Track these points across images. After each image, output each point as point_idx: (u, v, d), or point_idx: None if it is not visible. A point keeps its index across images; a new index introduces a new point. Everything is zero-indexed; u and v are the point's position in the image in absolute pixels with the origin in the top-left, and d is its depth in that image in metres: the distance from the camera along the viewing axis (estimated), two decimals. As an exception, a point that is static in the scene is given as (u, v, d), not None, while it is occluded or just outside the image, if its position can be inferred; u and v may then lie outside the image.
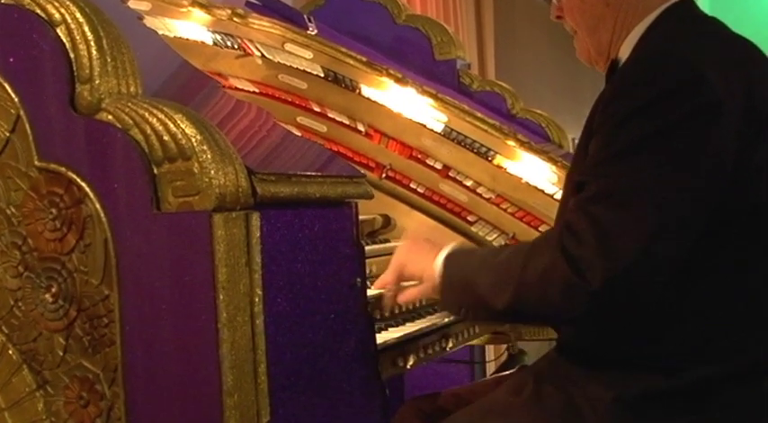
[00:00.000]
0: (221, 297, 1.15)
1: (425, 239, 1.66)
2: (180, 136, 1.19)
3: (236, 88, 2.28)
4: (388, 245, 2.36)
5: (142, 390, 1.24)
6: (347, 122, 2.51)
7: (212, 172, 1.17)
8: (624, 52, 1.58)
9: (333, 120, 2.50)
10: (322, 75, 2.46)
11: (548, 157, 2.42)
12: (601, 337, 1.50)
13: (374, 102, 2.48)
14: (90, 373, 1.29)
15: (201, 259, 1.16)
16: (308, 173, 1.35)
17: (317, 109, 2.49)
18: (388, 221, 2.51)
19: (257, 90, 2.37)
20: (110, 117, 1.25)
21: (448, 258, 1.56)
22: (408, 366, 1.74)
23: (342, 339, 1.36)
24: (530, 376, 1.59)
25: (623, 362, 1.47)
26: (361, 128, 2.51)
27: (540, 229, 2.41)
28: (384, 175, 2.53)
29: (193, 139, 1.18)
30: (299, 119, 2.46)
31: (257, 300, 1.19)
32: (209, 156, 1.17)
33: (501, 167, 2.47)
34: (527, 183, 2.45)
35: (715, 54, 1.46)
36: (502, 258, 1.58)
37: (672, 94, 1.40)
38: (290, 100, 2.45)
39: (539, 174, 2.44)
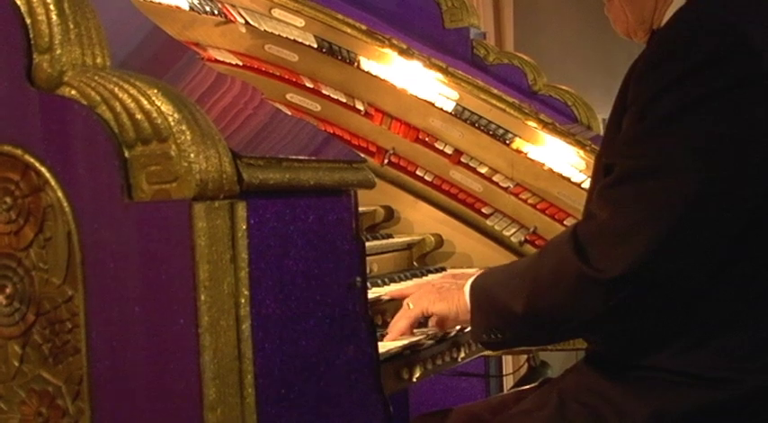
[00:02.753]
0: (203, 298, 1.16)
1: (431, 282, 1.78)
2: (155, 114, 1.19)
3: (216, 60, 2.29)
4: (390, 241, 2.38)
5: (111, 404, 1.24)
6: (344, 100, 2.52)
7: (192, 155, 1.17)
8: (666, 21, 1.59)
9: (327, 97, 2.51)
10: (315, 45, 2.47)
11: (574, 139, 2.44)
12: (635, 345, 1.51)
13: (375, 76, 2.50)
14: (50, 385, 1.29)
15: (180, 255, 1.16)
16: (301, 157, 1.36)
17: (309, 85, 2.50)
18: (390, 214, 2.52)
19: (240, 63, 2.38)
20: (73, 92, 1.26)
21: (474, 282, 1.65)
22: (414, 379, 1.75)
23: (339, 347, 1.37)
24: (553, 391, 1.60)
25: (661, 373, 1.48)
26: (359, 106, 2.53)
27: (565, 222, 2.43)
28: (386, 161, 2.54)
29: (170, 118, 1.18)
30: (288, 96, 2.48)
31: (243, 301, 1.20)
32: (188, 137, 1.18)
33: (520, 152, 2.48)
34: (550, 170, 2.47)
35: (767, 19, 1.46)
36: (522, 261, 1.62)
37: (710, 63, 1.41)
38: (278, 74, 2.46)
39: (564, 159, 2.46)
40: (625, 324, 1.49)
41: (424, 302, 1.71)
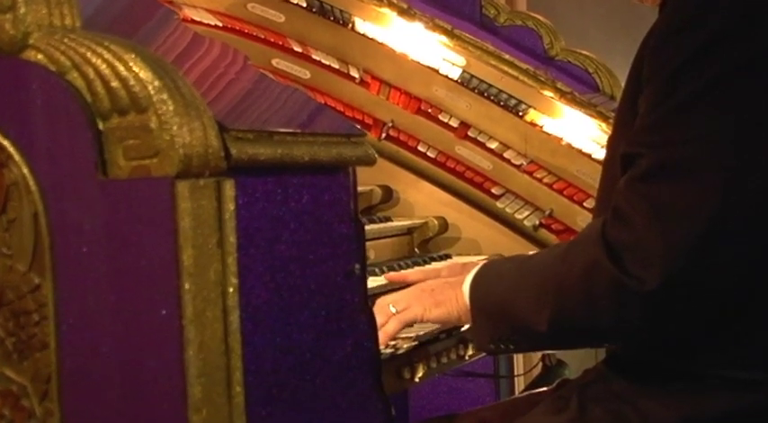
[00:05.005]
0: (187, 286, 1.17)
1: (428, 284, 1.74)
2: (132, 81, 1.20)
3: (193, 21, 2.30)
4: (389, 224, 2.40)
5: (83, 405, 1.26)
6: (337, 67, 2.53)
7: (175, 128, 1.18)
8: None
9: (318, 63, 2.52)
10: (304, 4, 2.48)
11: (596, 111, 2.45)
12: (659, 343, 1.53)
13: (372, 40, 2.51)
14: (14, 384, 1.31)
15: (161, 238, 1.17)
16: (295, 130, 1.37)
17: (297, 49, 2.51)
18: (389, 194, 2.54)
19: (220, 23, 2.40)
20: (40, 56, 1.27)
21: (476, 282, 1.63)
22: (417, 379, 1.77)
23: (336, 342, 1.38)
24: (572, 394, 1.62)
25: (692, 375, 1.51)
26: (354, 74, 2.54)
27: (584, 203, 2.45)
28: (384, 135, 2.56)
29: (150, 86, 1.19)
30: (274, 62, 2.49)
31: (231, 290, 1.21)
32: (170, 107, 1.18)
33: (535, 125, 2.50)
34: (569, 145, 2.48)
35: None
36: (535, 260, 1.61)
37: (731, 33, 1.42)
38: (262, 37, 2.47)
39: (584, 133, 2.47)
40: (663, 334, 1.49)
41: (417, 309, 1.69)
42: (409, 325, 1.71)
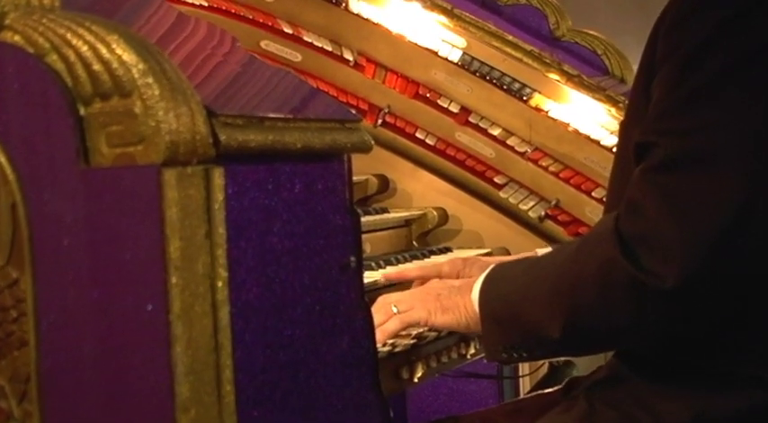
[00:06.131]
0: (174, 280, 1.18)
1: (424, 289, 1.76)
2: (116, 64, 1.20)
3: (176, 0, 2.30)
4: (385, 216, 2.41)
5: (65, 406, 1.27)
6: (329, 49, 2.54)
7: (161, 113, 1.18)
8: None
9: (310, 45, 2.53)
10: (294, -18, 2.49)
11: (605, 95, 2.46)
12: (674, 342, 1.54)
13: (366, 20, 2.51)
14: (-9, 385, 1.32)
15: (147, 230, 1.18)
16: (286, 115, 1.38)
17: (288, 30, 2.51)
18: (385, 184, 2.55)
19: (205, 3, 2.40)
20: (17, 38, 1.28)
21: (485, 288, 1.64)
22: (416, 379, 1.77)
23: (331, 339, 1.39)
24: (579, 392, 1.64)
25: (706, 372, 1.53)
26: (348, 56, 2.54)
27: (593, 193, 2.46)
28: (380, 121, 2.56)
29: (134, 70, 1.20)
30: (263, 44, 2.49)
31: (221, 284, 1.22)
32: (155, 91, 1.19)
33: (540, 110, 2.51)
34: (576, 131, 2.49)
35: None
36: (546, 261, 1.62)
37: (745, 16, 1.43)
38: (250, 17, 2.48)
39: (592, 118, 2.48)
40: (682, 332, 1.51)
41: (421, 312, 1.70)
42: (411, 327, 1.73)
